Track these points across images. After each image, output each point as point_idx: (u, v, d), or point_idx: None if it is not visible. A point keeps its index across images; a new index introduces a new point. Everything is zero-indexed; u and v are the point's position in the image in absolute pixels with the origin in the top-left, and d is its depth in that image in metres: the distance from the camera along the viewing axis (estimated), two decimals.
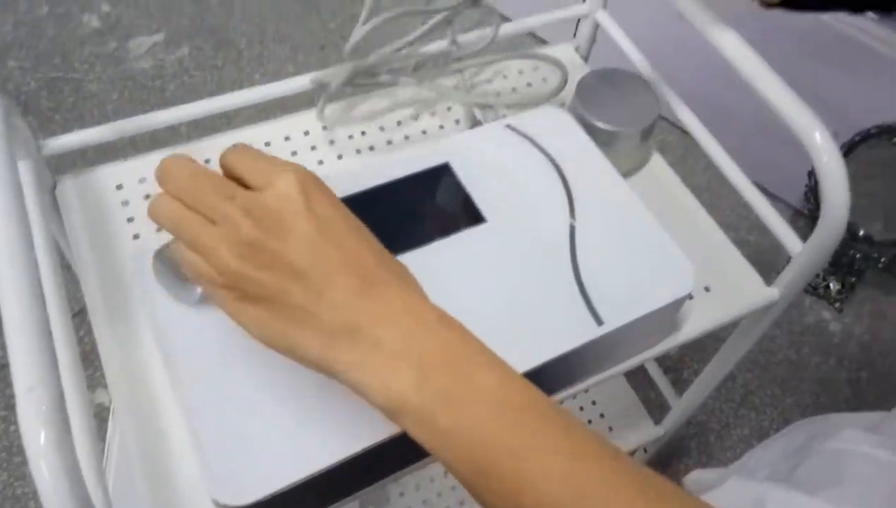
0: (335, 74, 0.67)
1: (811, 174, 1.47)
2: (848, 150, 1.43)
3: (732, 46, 0.61)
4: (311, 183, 0.40)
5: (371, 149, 0.70)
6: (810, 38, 1.44)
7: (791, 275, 0.62)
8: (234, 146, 0.43)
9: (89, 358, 0.58)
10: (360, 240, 0.40)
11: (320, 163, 0.68)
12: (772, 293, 0.64)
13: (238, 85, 1.72)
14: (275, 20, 1.88)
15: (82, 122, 1.63)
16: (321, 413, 0.45)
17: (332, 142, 0.69)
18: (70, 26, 1.82)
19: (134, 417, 0.50)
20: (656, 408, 1.03)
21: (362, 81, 0.68)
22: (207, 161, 0.66)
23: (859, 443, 0.66)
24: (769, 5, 0.54)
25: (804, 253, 0.60)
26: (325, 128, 0.70)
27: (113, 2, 1.87)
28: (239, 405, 0.45)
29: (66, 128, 1.62)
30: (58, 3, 1.86)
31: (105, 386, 0.53)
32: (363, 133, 0.71)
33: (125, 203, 0.62)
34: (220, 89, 1.71)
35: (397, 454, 0.49)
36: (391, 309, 0.38)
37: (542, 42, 0.83)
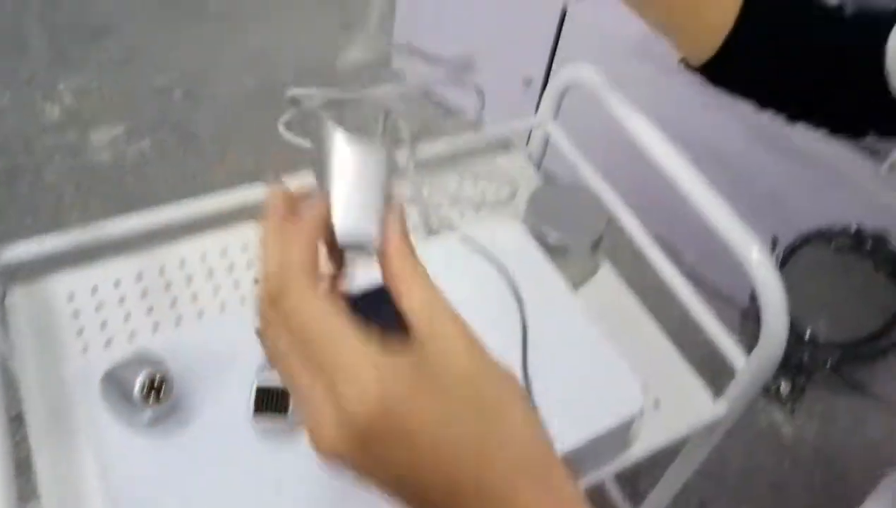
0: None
1: None
2: (791, 252, 1.48)
3: (674, 165, 0.64)
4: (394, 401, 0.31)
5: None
6: (757, 143, 1.51)
7: (736, 390, 0.64)
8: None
9: (23, 465, 0.56)
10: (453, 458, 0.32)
11: None
12: (719, 409, 0.65)
13: (199, 177, 1.73)
14: (239, 114, 1.91)
15: (37, 214, 1.62)
16: None
17: None
18: (31, 116, 1.82)
19: None
20: None
21: None
22: (162, 268, 0.66)
23: None
24: (692, 67, 0.58)
25: (747, 368, 0.62)
26: None
27: (76, 93, 1.89)
28: None
29: (20, 221, 1.60)
30: (20, 93, 1.87)
31: (38, 498, 0.51)
32: None
33: (76, 314, 0.61)
34: (180, 182, 1.72)
35: None
36: None
37: (505, 142, 0.86)
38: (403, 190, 0.76)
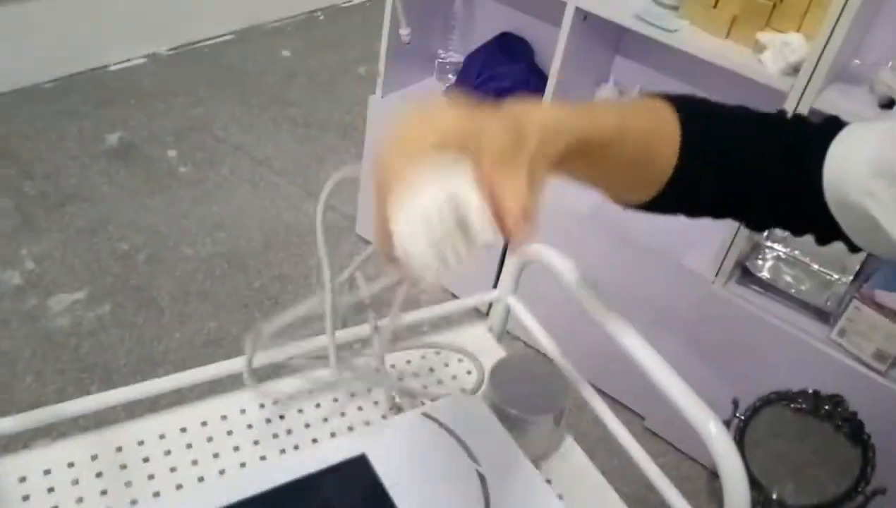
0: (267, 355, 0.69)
1: None
2: (752, 413, 1.49)
3: (632, 343, 0.65)
4: None
5: (289, 432, 0.70)
6: (710, 308, 1.57)
7: None
8: None
9: None
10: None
11: (236, 448, 0.67)
12: None
13: (157, 343, 1.72)
14: (199, 279, 1.93)
15: None
16: None
17: (249, 426, 0.70)
18: None
19: None
20: None
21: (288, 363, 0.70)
22: (119, 448, 0.65)
23: None
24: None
25: None
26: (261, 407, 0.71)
27: (37, 258, 1.90)
28: None
29: None
30: None
31: None
32: (281, 416, 0.71)
33: (26, 498, 0.59)
34: (137, 347, 1.70)
35: None
36: None
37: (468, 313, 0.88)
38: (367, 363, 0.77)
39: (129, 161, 2.29)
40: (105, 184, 2.18)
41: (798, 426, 1.47)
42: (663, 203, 0.57)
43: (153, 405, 0.70)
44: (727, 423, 1.51)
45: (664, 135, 0.54)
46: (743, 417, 1.50)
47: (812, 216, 0.56)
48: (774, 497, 1.48)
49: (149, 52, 2.81)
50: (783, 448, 1.50)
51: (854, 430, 1.41)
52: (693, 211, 0.60)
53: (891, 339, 1.39)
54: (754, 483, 1.49)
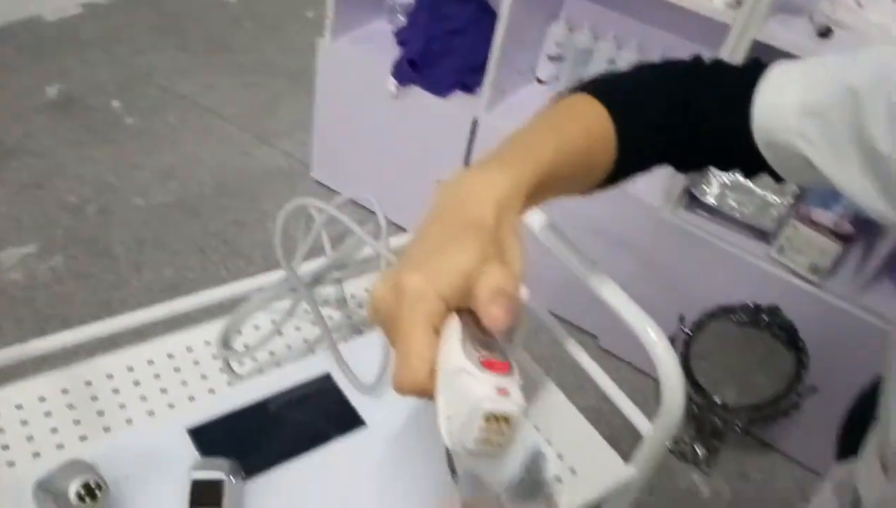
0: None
1: None
2: (698, 327, 1.57)
3: (580, 266, 0.69)
4: None
5: (254, 360, 0.73)
6: (659, 234, 1.63)
7: (645, 454, 0.69)
8: None
9: None
10: None
11: (203, 377, 0.70)
12: (629, 471, 0.70)
13: (115, 291, 1.73)
14: (153, 228, 1.93)
15: None
16: None
17: (215, 356, 0.73)
18: None
19: None
20: None
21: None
22: (88, 382, 0.67)
23: None
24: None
25: (652, 433, 0.67)
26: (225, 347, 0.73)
27: None
28: None
29: None
30: None
31: None
32: (246, 346, 0.74)
33: (0, 430, 0.62)
34: (94, 297, 1.70)
35: None
36: None
37: None
38: (329, 290, 0.80)
39: (71, 113, 2.25)
40: (48, 137, 2.14)
41: (740, 336, 1.55)
42: (609, 184, 0.61)
43: (113, 346, 0.72)
44: (674, 338, 1.59)
45: (599, 138, 0.56)
46: (689, 331, 1.57)
47: (741, 155, 0.60)
48: (718, 401, 1.57)
49: (86, 0, 2.73)
50: (726, 358, 1.59)
51: (790, 337, 1.50)
52: (637, 174, 0.63)
53: (824, 253, 1.47)
54: (700, 390, 1.58)
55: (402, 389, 0.41)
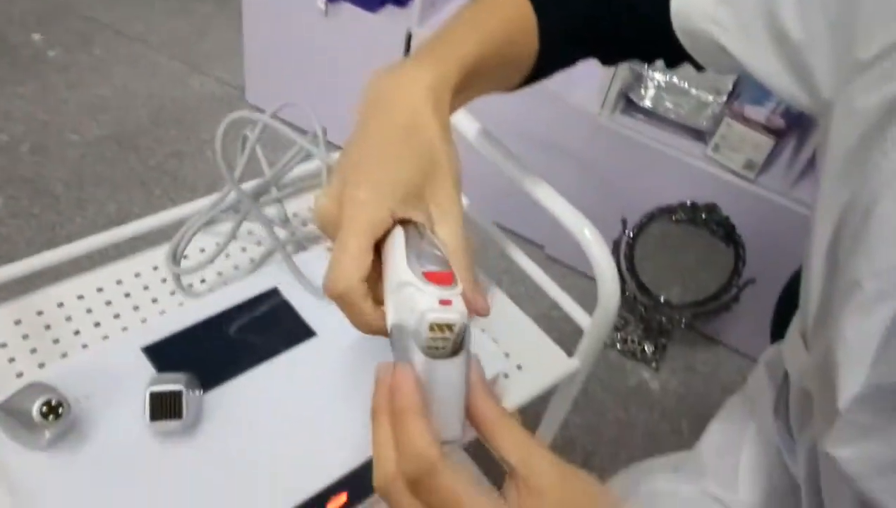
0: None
1: None
2: (639, 229, 1.62)
3: (517, 173, 0.71)
4: None
5: (203, 281, 0.75)
6: (597, 140, 1.65)
7: (586, 345, 0.73)
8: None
9: None
10: None
11: (154, 300, 0.72)
12: (574, 363, 0.74)
13: (59, 229, 1.70)
14: (91, 163, 1.89)
15: None
16: None
17: (164, 280, 0.74)
18: None
19: None
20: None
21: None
22: (40, 311, 0.68)
23: (666, 483, 0.76)
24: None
25: (592, 327, 0.71)
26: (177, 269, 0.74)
27: None
28: None
29: None
30: None
31: None
32: (194, 269, 0.75)
33: None
34: (38, 236, 1.68)
35: None
36: None
37: None
38: (271, 210, 0.81)
39: None
40: None
41: (680, 235, 1.61)
42: (534, 79, 0.62)
43: (57, 276, 0.72)
44: (617, 242, 1.64)
45: (521, 30, 0.57)
46: (631, 234, 1.62)
47: (662, 45, 0.62)
48: (663, 299, 1.64)
49: None
50: (668, 257, 1.65)
51: (727, 233, 1.56)
52: (561, 68, 0.65)
53: (758, 149, 1.51)
54: (645, 291, 1.64)
55: (332, 289, 0.43)
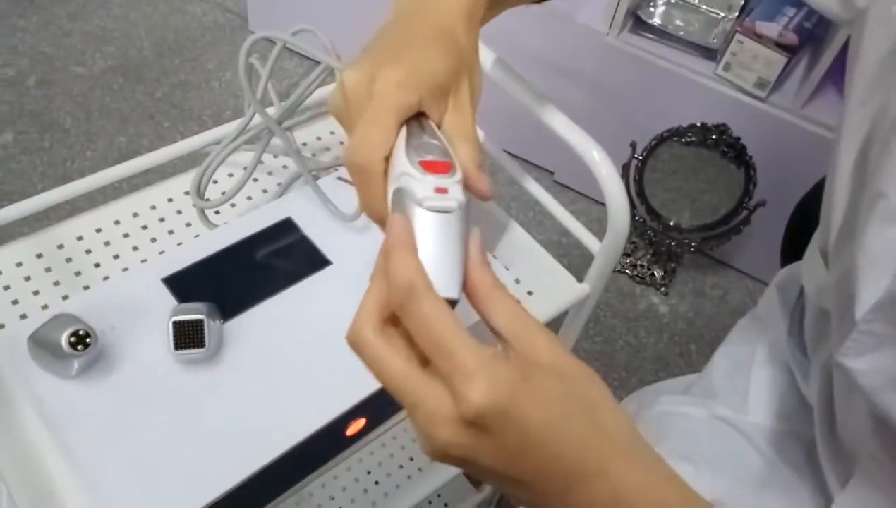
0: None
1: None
2: (649, 152, 1.61)
3: (526, 97, 0.71)
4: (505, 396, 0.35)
5: (217, 213, 0.76)
6: (605, 61, 1.63)
7: (596, 270, 0.74)
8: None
9: None
10: (559, 438, 0.37)
11: (171, 232, 0.73)
12: (583, 288, 0.75)
13: (70, 163, 1.71)
14: (98, 96, 1.88)
15: None
16: (208, 447, 0.51)
17: (179, 212, 0.75)
18: None
19: (30, 495, 0.54)
20: None
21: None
22: (60, 245, 0.69)
23: (675, 405, 0.78)
24: None
25: (601, 250, 0.72)
26: (192, 194, 0.75)
27: None
28: (130, 454, 0.50)
29: None
30: None
31: None
32: (207, 199, 0.76)
33: None
34: (50, 170, 1.69)
35: (290, 467, 0.56)
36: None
37: None
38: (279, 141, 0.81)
39: None
40: None
41: (690, 158, 1.60)
42: None
43: (73, 211, 0.73)
44: (627, 165, 1.63)
45: None
46: (640, 157, 1.61)
47: None
48: (672, 223, 1.64)
49: None
50: (678, 181, 1.65)
51: (738, 154, 1.55)
52: None
53: (770, 66, 1.49)
54: (655, 215, 1.64)
55: (356, 157, 0.43)
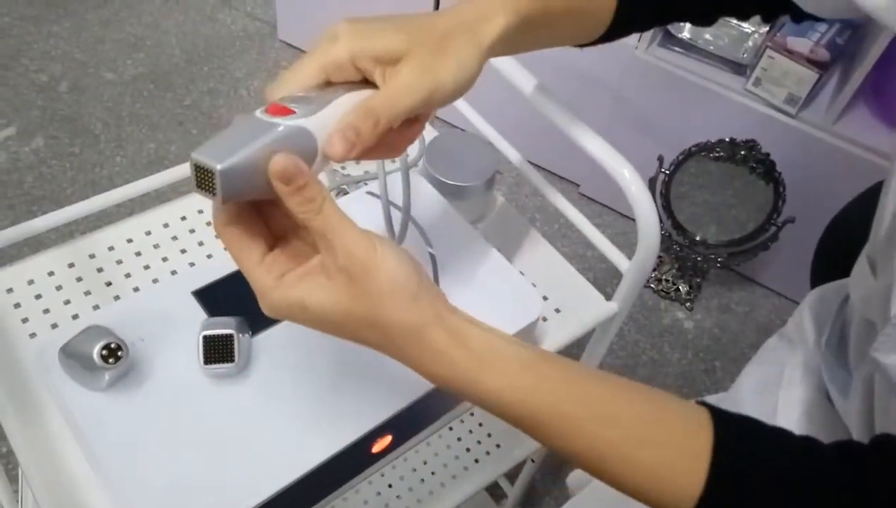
0: None
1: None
2: (676, 167, 1.60)
3: (555, 111, 0.71)
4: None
5: None
6: (634, 74, 1.62)
7: (624, 289, 0.73)
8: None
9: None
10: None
11: (201, 243, 0.73)
12: (612, 306, 0.74)
13: (99, 169, 1.73)
14: (128, 102, 1.90)
15: None
16: (235, 464, 0.51)
17: (208, 223, 0.75)
18: None
19: (56, 505, 0.54)
20: None
21: None
22: (92, 254, 0.70)
23: None
24: None
25: (630, 269, 0.71)
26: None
27: None
28: (157, 468, 0.50)
29: None
30: None
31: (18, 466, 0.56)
32: None
33: (17, 305, 0.65)
34: (80, 175, 1.71)
35: (315, 484, 0.56)
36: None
37: None
38: None
39: None
40: (5, 16, 2.07)
41: (718, 173, 1.59)
42: (614, 35, 0.60)
43: (104, 224, 0.74)
44: (653, 179, 1.62)
45: None
46: (668, 172, 1.60)
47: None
48: (698, 238, 1.63)
49: None
50: (706, 196, 1.63)
51: (767, 170, 1.53)
52: (645, 28, 0.64)
53: (801, 82, 1.47)
54: (681, 230, 1.63)
55: (270, 94, 0.46)
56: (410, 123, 0.49)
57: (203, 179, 0.40)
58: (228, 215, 0.44)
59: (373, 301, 0.42)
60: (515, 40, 0.52)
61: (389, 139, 0.47)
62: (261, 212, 0.45)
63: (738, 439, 0.44)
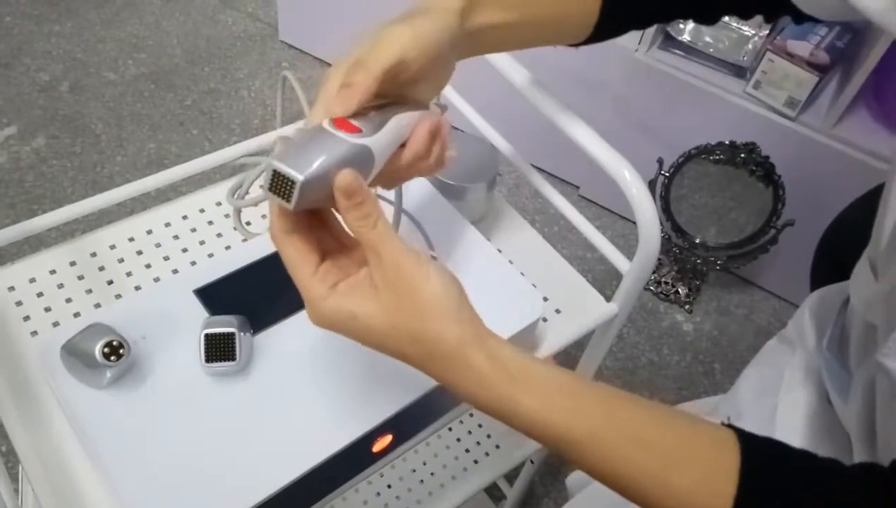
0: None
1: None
2: (676, 169, 1.60)
3: (556, 112, 0.71)
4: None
5: (248, 224, 0.76)
6: (634, 77, 1.62)
7: (624, 291, 0.73)
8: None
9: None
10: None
11: (202, 243, 0.73)
12: (612, 308, 0.75)
13: (100, 168, 1.73)
14: (129, 102, 1.90)
15: None
16: (235, 462, 0.51)
17: (210, 222, 0.75)
18: None
19: (58, 502, 0.54)
20: None
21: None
22: (94, 253, 0.70)
23: None
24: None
25: (631, 271, 0.71)
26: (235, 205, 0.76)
27: None
28: (158, 465, 0.50)
29: None
30: None
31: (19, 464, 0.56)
32: (239, 211, 0.77)
33: (19, 303, 0.65)
34: (81, 175, 1.71)
35: (315, 483, 0.56)
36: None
37: None
38: None
39: None
40: (7, 15, 2.07)
41: (717, 176, 1.59)
42: (605, 34, 0.62)
43: (105, 223, 0.74)
44: (653, 182, 1.62)
45: None
46: (667, 174, 1.61)
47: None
48: (698, 241, 1.63)
49: None
50: (705, 198, 1.63)
51: (767, 173, 1.54)
52: (639, 27, 0.65)
53: (801, 86, 1.48)
54: (681, 232, 1.63)
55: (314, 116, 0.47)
56: (433, 137, 0.52)
57: (279, 186, 0.42)
58: (291, 223, 0.44)
59: (418, 315, 0.43)
60: (493, 16, 0.54)
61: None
62: (311, 225, 0.46)
63: (765, 462, 0.44)
